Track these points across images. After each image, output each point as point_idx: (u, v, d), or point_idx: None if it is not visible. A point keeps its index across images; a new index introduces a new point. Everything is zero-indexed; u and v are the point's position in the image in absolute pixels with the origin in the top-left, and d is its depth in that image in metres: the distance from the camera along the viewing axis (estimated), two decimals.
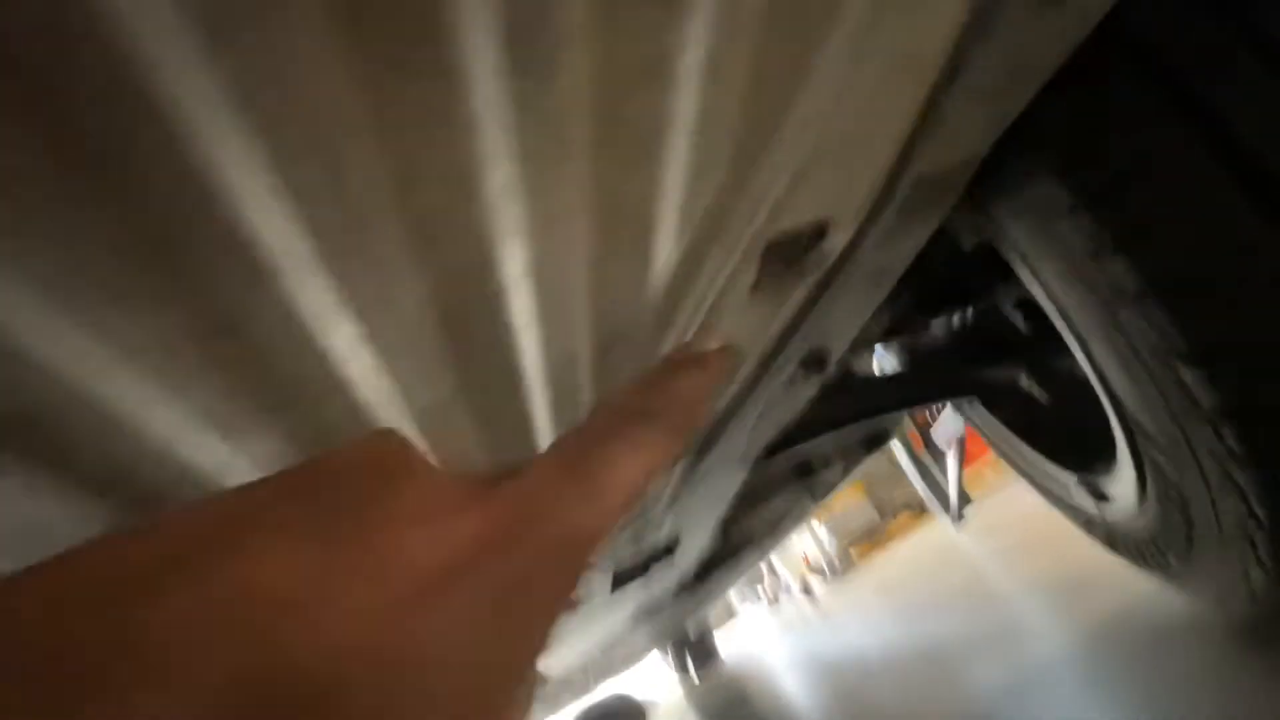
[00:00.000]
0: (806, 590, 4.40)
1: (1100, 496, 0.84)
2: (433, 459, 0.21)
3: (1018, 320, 0.94)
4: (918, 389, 0.97)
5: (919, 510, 4.37)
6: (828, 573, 4.26)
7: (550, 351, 0.38)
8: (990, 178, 0.53)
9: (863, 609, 2.63)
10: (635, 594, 1.12)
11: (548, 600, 0.17)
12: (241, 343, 0.29)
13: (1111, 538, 0.90)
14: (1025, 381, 0.91)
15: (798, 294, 0.44)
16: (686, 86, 0.26)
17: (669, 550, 0.98)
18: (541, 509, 0.17)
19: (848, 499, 4.20)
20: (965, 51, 0.32)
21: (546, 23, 0.21)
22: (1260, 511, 0.52)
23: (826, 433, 0.98)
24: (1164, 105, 0.46)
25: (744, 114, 0.29)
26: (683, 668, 4.07)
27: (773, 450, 0.82)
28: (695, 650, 3.96)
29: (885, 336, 0.96)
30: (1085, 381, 0.67)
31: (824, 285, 0.46)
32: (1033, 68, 0.38)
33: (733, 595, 6.86)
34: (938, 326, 0.91)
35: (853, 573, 4.02)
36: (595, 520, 0.18)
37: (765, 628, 4.40)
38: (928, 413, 3.28)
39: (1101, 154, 0.45)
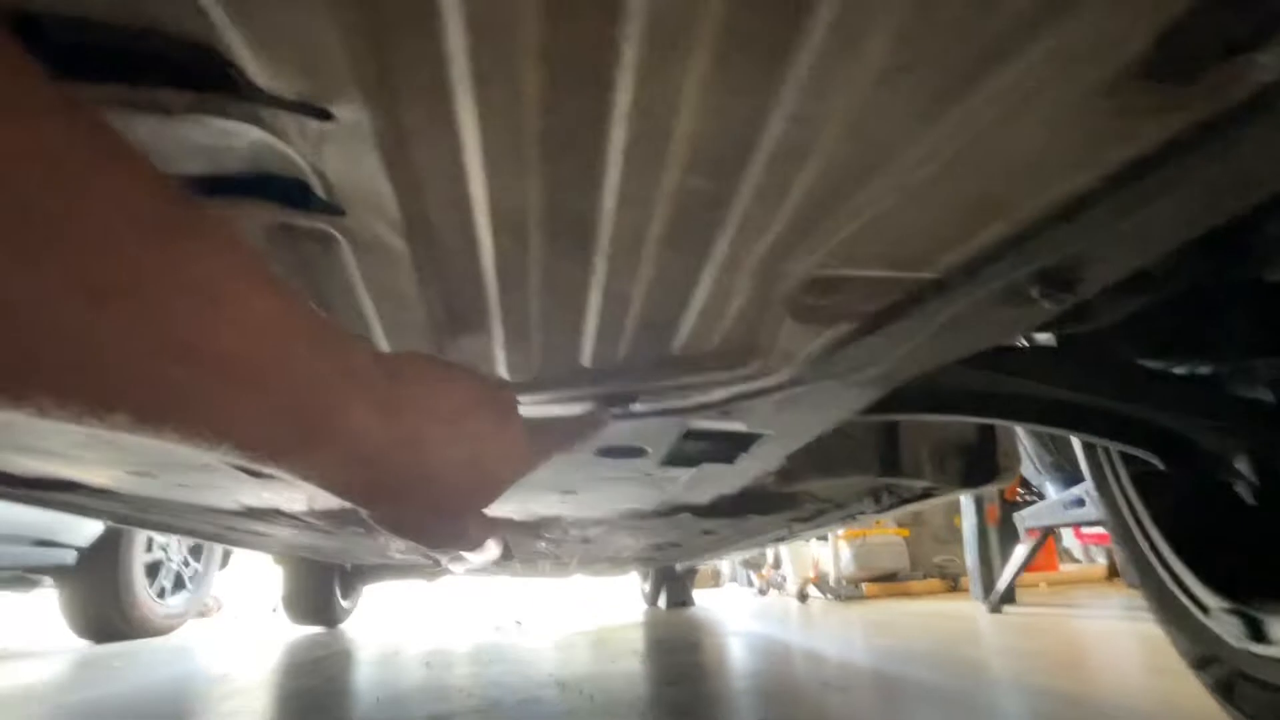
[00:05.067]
0: (803, 596, 4.30)
1: (1258, 635, 0.68)
2: None
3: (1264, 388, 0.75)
4: (1096, 411, 0.80)
5: (951, 584, 4.09)
6: (831, 591, 4.13)
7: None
8: None
9: (849, 643, 2.51)
10: (638, 484, 1.06)
11: None
12: None
13: (1230, 684, 0.74)
14: (1239, 466, 0.73)
15: (1174, 123, 0.30)
16: None
17: (726, 459, 0.91)
18: None
19: (887, 537, 3.99)
20: None
21: None
22: None
23: (955, 411, 0.84)
24: None
25: None
26: (654, 600, 4.16)
27: (893, 401, 0.70)
28: (672, 589, 4.01)
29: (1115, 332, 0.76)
30: None
31: (1212, 129, 0.29)
32: None
33: (724, 567, 6.89)
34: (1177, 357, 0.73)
35: (856, 605, 3.86)
36: None
37: (745, 605, 4.38)
38: (1021, 490, 2.97)
39: None
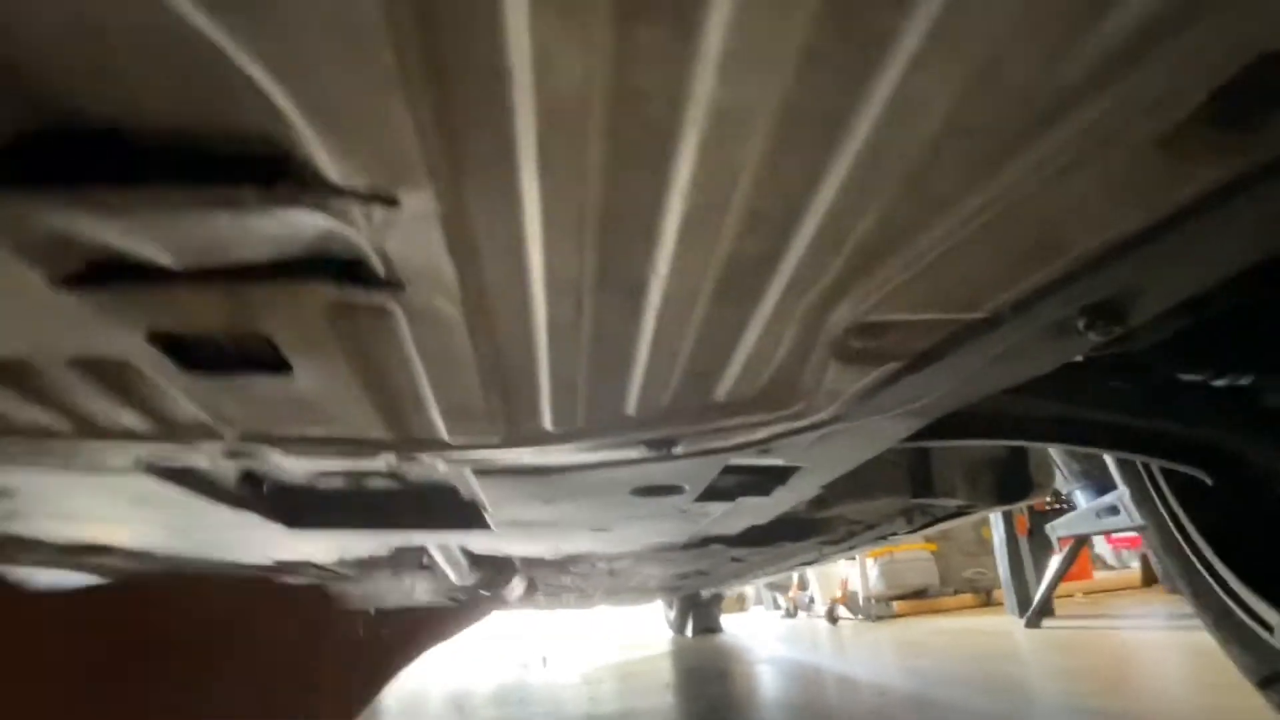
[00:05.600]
0: (833, 618, 4.22)
1: None
2: None
3: None
4: (1133, 429, 0.79)
5: (983, 597, 4.00)
6: (861, 611, 4.05)
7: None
8: None
9: (888, 667, 2.45)
10: (672, 519, 1.05)
11: None
12: None
13: None
14: None
15: (1234, 165, 0.31)
16: None
17: (760, 491, 0.90)
18: None
19: (913, 552, 3.92)
20: None
21: None
22: None
23: (989, 436, 0.84)
24: None
25: None
26: (681, 628, 4.09)
27: (928, 428, 0.70)
28: (699, 615, 3.95)
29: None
30: None
31: (1273, 168, 0.30)
32: None
33: (749, 591, 6.77)
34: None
35: (888, 625, 3.78)
36: None
37: (774, 630, 4.30)
38: (1049, 499, 2.91)
39: None
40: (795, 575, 4.90)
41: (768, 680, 2.24)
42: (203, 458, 0.61)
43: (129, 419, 0.53)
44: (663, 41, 0.24)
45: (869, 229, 0.34)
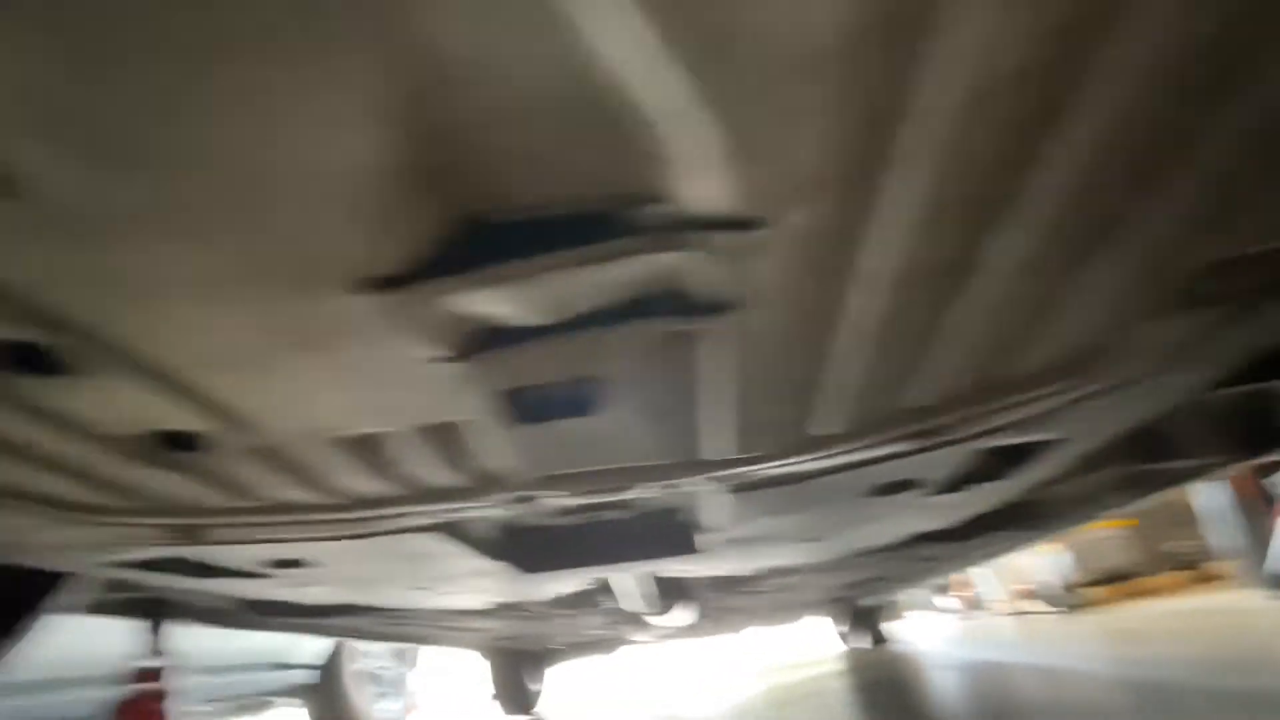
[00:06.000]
0: (1019, 612, 3.86)
1: None
2: None
3: None
4: None
5: (1196, 570, 3.50)
6: (1053, 602, 3.67)
7: None
8: None
9: (1087, 654, 2.18)
10: (894, 518, 1.00)
11: None
12: None
13: None
14: None
15: None
16: None
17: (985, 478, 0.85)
18: None
19: (1109, 530, 3.51)
20: None
21: None
22: None
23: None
24: None
25: None
26: (847, 640, 3.90)
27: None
28: (866, 624, 3.76)
29: None
30: None
31: None
32: None
33: (906, 596, 6.33)
34: None
35: (1090, 614, 3.40)
36: None
37: (953, 632, 3.99)
38: None
39: None
40: (962, 572, 4.53)
41: (968, 690, 2.07)
42: (491, 508, 0.66)
43: (446, 477, 0.58)
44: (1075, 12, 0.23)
45: (1238, 160, 0.32)
